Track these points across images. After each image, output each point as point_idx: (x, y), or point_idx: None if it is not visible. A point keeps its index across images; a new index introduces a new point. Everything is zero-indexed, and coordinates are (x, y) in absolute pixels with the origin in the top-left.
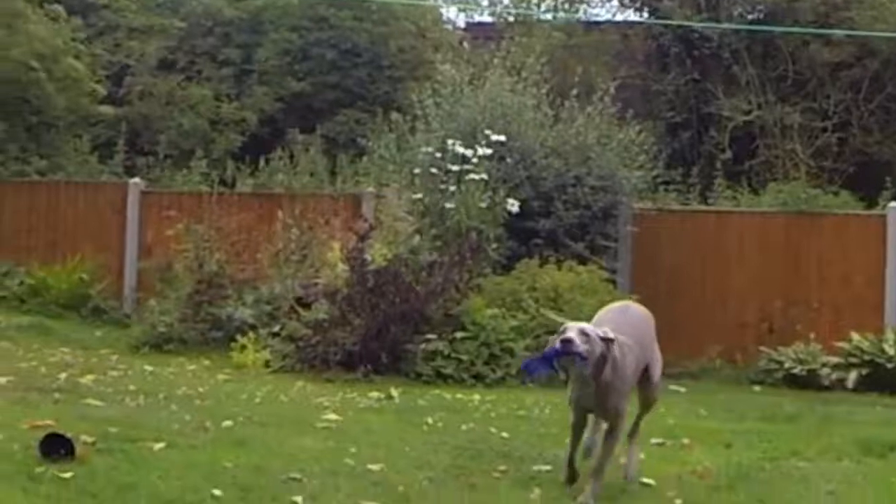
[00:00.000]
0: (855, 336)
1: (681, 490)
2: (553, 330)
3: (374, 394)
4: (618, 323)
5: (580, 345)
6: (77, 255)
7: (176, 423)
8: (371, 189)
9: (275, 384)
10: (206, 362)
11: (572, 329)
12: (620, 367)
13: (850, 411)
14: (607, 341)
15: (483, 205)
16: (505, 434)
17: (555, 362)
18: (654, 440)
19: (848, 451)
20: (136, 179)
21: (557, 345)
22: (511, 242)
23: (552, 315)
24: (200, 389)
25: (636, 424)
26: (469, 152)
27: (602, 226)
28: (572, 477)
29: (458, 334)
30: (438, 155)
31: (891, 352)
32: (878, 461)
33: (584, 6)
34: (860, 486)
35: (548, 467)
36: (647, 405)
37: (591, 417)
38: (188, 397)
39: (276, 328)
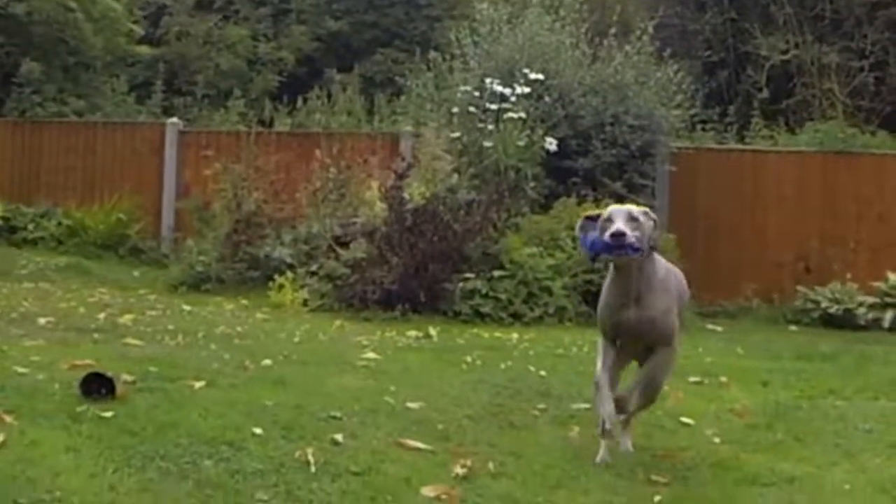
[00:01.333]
0: (891, 276)
1: (719, 428)
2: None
3: (413, 332)
4: None
5: (631, 235)
6: (115, 195)
7: (215, 362)
8: (409, 128)
9: (313, 323)
10: (244, 302)
11: (619, 215)
12: (665, 275)
13: (886, 351)
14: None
15: (521, 143)
16: (543, 373)
17: (603, 255)
18: (692, 378)
19: (885, 391)
20: (174, 119)
21: (608, 238)
22: (549, 181)
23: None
24: (239, 329)
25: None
26: (507, 91)
27: (639, 165)
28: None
29: (496, 273)
30: (476, 94)
31: None
32: None
33: None
34: None
35: (587, 405)
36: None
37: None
38: (227, 336)
39: (314, 267)
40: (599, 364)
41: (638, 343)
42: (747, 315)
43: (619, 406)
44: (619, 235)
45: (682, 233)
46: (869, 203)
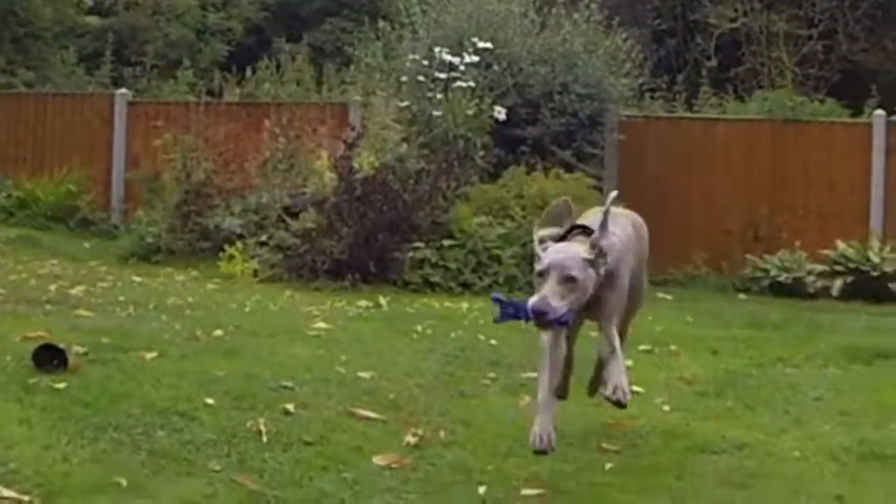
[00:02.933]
0: (840, 244)
1: (669, 396)
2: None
3: (363, 302)
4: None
5: (559, 308)
6: (65, 166)
7: (167, 332)
8: (358, 98)
9: (263, 293)
10: (195, 273)
11: (553, 275)
12: (618, 281)
13: (835, 319)
14: (599, 254)
15: (470, 112)
16: (494, 342)
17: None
18: (641, 347)
19: (834, 359)
20: (123, 90)
21: (529, 311)
22: (498, 150)
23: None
24: (190, 299)
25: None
26: (456, 60)
27: (588, 133)
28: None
29: (446, 242)
30: (425, 63)
31: (876, 260)
32: (864, 368)
33: None
34: (847, 393)
35: (536, 374)
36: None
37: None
38: (178, 307)
39: (264, 238)
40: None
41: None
42: (697, 283)
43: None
44: (539, 314)
45: (631, 202)
46: (817, 171)
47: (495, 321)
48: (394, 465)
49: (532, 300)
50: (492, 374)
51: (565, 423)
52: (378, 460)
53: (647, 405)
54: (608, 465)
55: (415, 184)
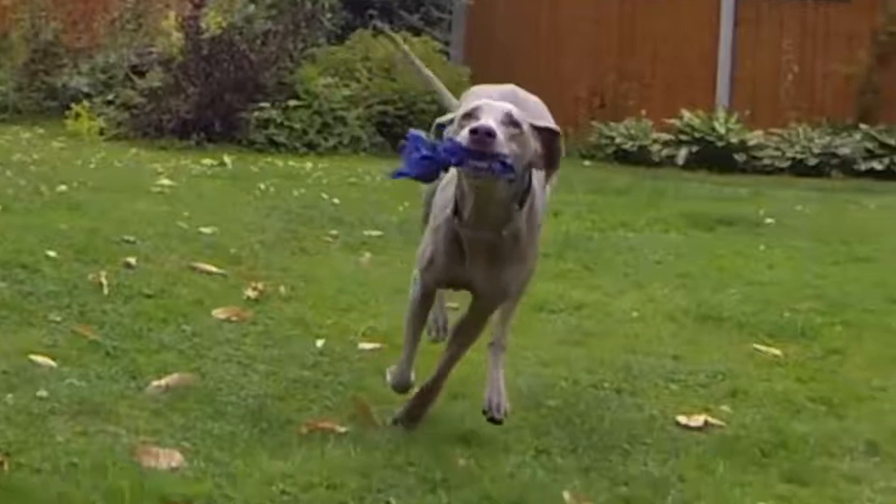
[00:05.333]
0: (686, 114)
1: None
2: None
3: (208, 161)
4: None
5: (504, 143)
6: None
7: (11, 188)
8: None
9: (109, 151)
10: (41, 131)
11: (490, 111)
12: (536, 207)
13: (679, 186)
14: (551, 135)
15: None
16: (336, 200)
17: (449, 164)
18: None
19: (676, 224)
20: None
21: (465, 138)
22: (345, 13)
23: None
24: (35, 156)
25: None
26: None
27: None
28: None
29: (291, 103)
30: None
31: (721, 130)
32: (704, 234)
33: None
34: (686, 257)
35: (378, 232)
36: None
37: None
38: (23, 164)
39: (111, 96)
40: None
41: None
42: None
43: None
44: (485, 135)
45: (477, 67)
46: (666, 40)
47: (392, 176)
48: (233, 319)
49: (469, 127)
50: (333, 232)
51: (407, 283)
52: (218, 313)
53: None
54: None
55: (262, 44)
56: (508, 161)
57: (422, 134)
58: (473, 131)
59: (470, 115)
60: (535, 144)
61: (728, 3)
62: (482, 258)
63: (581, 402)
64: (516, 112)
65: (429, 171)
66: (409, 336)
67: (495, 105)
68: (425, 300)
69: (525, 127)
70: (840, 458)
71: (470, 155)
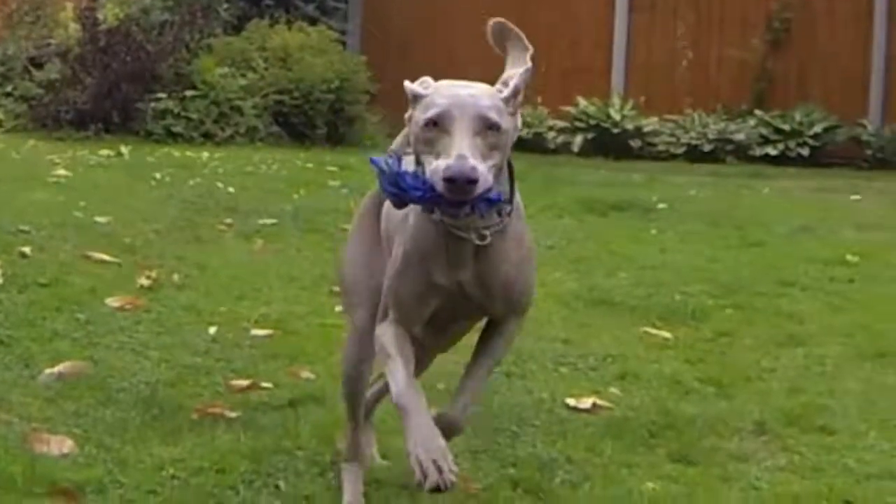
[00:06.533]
0: (581, 101)
1: None
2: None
3: (105, 151)
4: None
5: (488, 172)
6: None
7: None
8: None
9: (6, 143)
10: None
11: (463, 121)
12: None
13: (574, 173)
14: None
15: None
16: (231, 189)
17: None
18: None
19: (570, 210)
20: None
21: (439, 183)
22: (242, 3)
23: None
24: None
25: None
26: None
27: None
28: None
29: (188, 93)
30: None
31: (616, 117)
32: (598, 219)
33: None
34: (579, 242)
35: (272, 221)
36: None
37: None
38: None
39: (9, 88)
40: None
41: (468, 319)
42: None
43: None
44: (465, 183)
45: (373, 54)
46: (560, 28)
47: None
48: (127, 307)
49: (440, 165)
50: (228, 221)
51: (301, 271)
52: (111, 302)
53: None
54: (338, 308)
55: (158, 35)
56: (493, 196)
57: (382, 161)
58: (449, 180)
59: (436, 125)
60: (518, 119)
61: None
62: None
63: None
64: (493, 107)
65: (396, 198)
66: (404, 400)
67: (467, 105)
68: (402, 340)
69: (504, 126)
70: (728, 437)
71: (447, 201)
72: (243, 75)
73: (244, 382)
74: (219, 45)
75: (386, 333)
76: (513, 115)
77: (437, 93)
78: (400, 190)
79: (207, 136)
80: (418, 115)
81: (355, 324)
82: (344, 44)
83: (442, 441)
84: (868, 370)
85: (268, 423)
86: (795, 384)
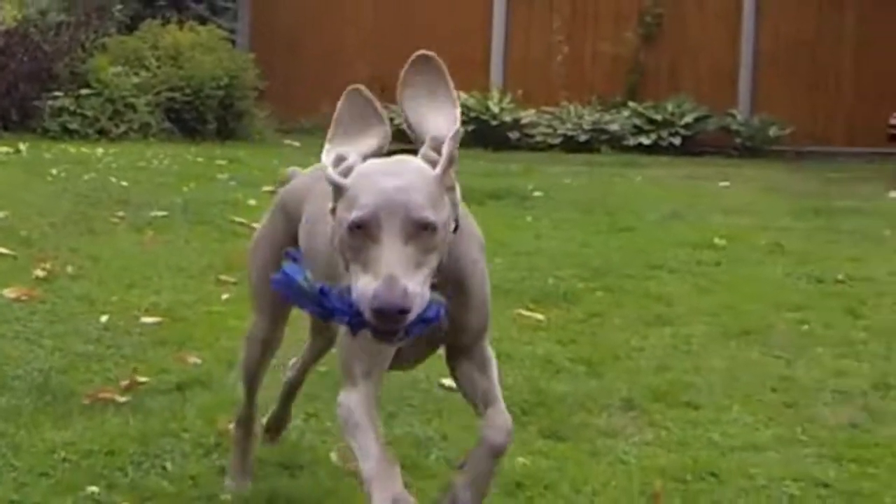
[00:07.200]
0: (462, 94)
1: None
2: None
3: (3, 149)
4: None
5: (421, 292)
6: None
7: None
8: None
9: None
10: None
11: (393, 227)
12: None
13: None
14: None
15: None
16: (124, 183)
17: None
18: (265, 188)
19: (477, 199)
20: None
21: (366, 311)
22: (135, 4)
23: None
24: None
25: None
26: None
27: None
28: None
29: (84, 91)
30: None
31: (495, 109)
32: (475, 208)
33: None
34: None
35: (162, 213)
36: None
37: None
38: None
39: None
40: (352, 395)
41: (426, 351)
42: (324, 131)
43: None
44: (395, 314)
45: (262, 53)
46: (441, 23)
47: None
48: (22, 298)
49: (367, 288)
50: (121, 213)
51: (189, 261)
52: (7, 293)
53: None
54: (225, 296)
55: (55, 36)
56: (430, 315)
57: (296, 277)
58: (378, 311)
59: (361, 228)
60: (456, 197)
61: None
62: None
63: None
64: (427, 203)
65: (324, 317)
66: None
67: (397, 207)
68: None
69: (441, 220)
70: (597, 414)
71: (376, 330)
72: (136, 73)
73: (142, 383)
74: (113, 45)
75: (350, 400)
76: (451, 189)
77: (361, 188)
78: (324, 310)
79: (102, 133)
80: (341, 213)
81: (253, 328)
82: (233, 42)
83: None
84: (732, 348)
85: (155, 406)
86: (662, 362)
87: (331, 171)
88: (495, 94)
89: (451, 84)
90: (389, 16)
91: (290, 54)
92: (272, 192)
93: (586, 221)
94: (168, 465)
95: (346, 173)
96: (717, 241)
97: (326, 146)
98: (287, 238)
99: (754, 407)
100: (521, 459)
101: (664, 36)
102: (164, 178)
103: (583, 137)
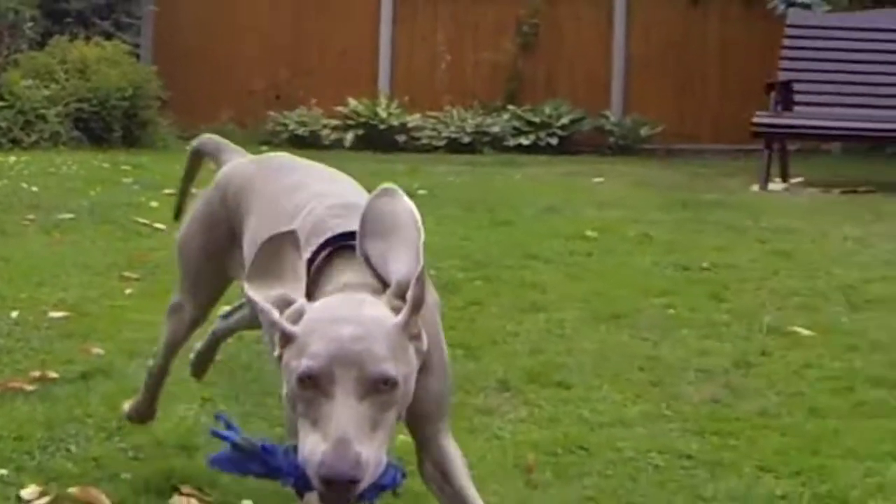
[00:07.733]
0: (352, 101)
1: None
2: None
3: None
4: None
5: (376, 456)
6: None
7: None
8: None
9: None
10: None
11: (343, 408)
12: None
13: (344, 166)
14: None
15: None
16: (35, 188)
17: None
18: (166, 190)
19: None
20: None
21: (314, 479)
22: (45, 22)
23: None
24: None
25: None
26: None
27: (127, 6)
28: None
29: None
30: None
31: (383, 114)
32: None
33: None
34: None
35: (70, 215)
36: None
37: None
38: None
39: None
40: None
41: None
42: (225, 137)
43: None
44: (347, 483)
45: (164, 66)
46: (332, 38)
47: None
48: None
49: (315, 451)
50: (31, 216)
51: (95, 259)
52: None
53: (168, 239)
54: (128, 291)
55: None
56: (386, 482)
57: (233, 438)
58: (326, 480)
59: (312, 379)
60: (416, 356)
61: (387, 4)
62: None
63: (244, 355)
64: (388, 354)
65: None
66: None
67: (352, 361)
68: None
69: (403, 374)
70: (474, 394)
71: (322, 496)
72: (47, 86)
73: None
74: (24, 60)
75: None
76: (416, 337)
77: (313, 334)
78: (269, 469)
79: (14, 142)
80: (290, 361)
81: (180, 308)
82: (137, 56)
83: None
84: (602, 331)
85: (62, 394)
86: (537, 346)
87: (278, 318)
88: (383, 100)
89: (416, 216)
90: (284, 30)
91: (190, 67)
92: (172, 195)
93: (468, 217)
94: (73, 447)
95: (295, 319)
96: (589, 233)
97: (247, 284)
98: (223, 221)
99: (622, 385)
100: (401, 436)
101: (541, 44)
102: (73, 182)
103: (466, 139)
